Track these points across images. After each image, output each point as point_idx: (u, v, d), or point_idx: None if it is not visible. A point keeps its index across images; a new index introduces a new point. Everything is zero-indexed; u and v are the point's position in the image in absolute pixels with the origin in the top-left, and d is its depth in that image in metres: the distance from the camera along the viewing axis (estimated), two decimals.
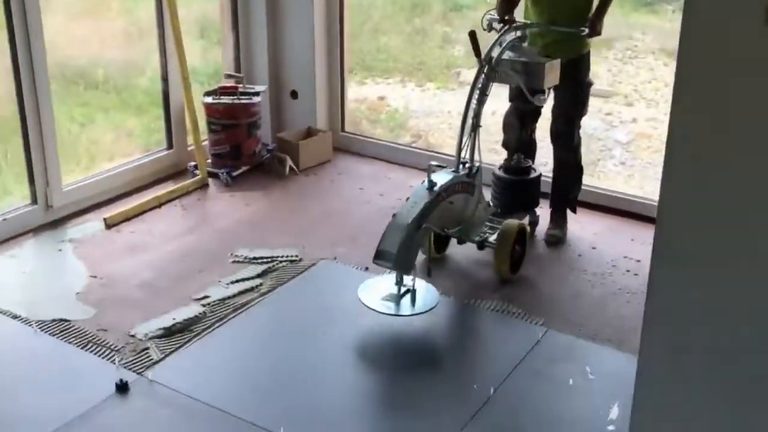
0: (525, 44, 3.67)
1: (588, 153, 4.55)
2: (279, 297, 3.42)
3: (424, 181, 3.33)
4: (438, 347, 3.24)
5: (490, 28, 3.63)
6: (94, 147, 4.65)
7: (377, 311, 3.16)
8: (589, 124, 5.14)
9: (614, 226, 4.10)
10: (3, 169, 4.20)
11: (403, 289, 3.21)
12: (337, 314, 3.31)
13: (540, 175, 3.92)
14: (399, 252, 3.09)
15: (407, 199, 3.30)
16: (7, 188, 4.15)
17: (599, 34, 3.69)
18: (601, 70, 5.78)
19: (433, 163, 3.48)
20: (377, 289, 3.26)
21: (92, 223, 4.00)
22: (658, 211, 1.86)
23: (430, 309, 3.20)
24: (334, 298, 3.44)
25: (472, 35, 3.42)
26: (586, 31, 3.65)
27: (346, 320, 3.25)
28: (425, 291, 3.28)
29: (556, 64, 3.57)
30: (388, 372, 3.07)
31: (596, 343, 3.16)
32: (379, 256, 3.14)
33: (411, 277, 3.21)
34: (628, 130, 5.47)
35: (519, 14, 3.87)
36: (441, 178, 3.37)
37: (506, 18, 3.65)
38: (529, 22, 3.75)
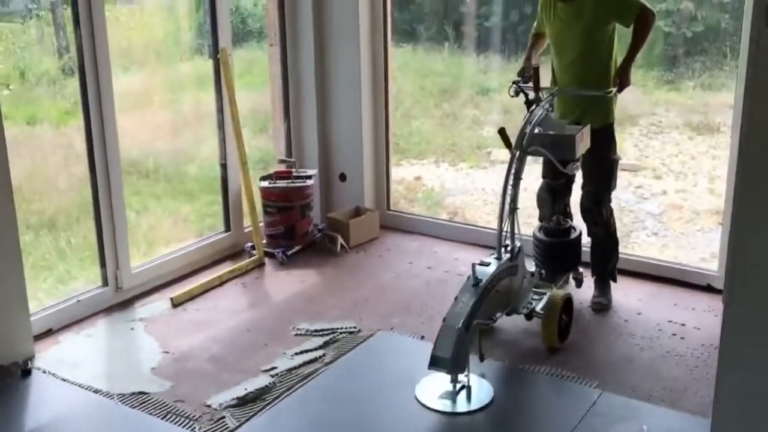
0: (552, 115, 3.78)
1: (621, 225, 4.70)
2: (343, 366, 3.60)
3: (469, 277, 3.39)
4: (496, 410, 3.32)
5: (517, 92, 3.76)
6: (151, 233, 4.88)
7: (435, 411, 3.24)
8: (621, 197, 5.34)
9: (656, 292, 4.25)
10: (68, 255, 4.45)
11: (458, 386, 3.30)
12: (399, 381, 3.45)
13: (580, 233, 4.01)
14: (453, 357, 3.16)
15: (455, 298, 3.34)
16: (72, 273, 4.39)
17: (629, 84, 3.78)
18: (627, 145, 5.99)
19: (476, 262, 3.48)
20: (434, 386, 3.35)
21: (159, 303, 4.22)
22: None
23: (487, 405, 3.29)
24: (395, 366, 3.61)
25: (502, 132, 3.54)
26: (614, 90, 3.76)
27: (408, 387, 3.39)
28: (479, 386, 3.38)
29: (586, 131, 3.67)
30: (451, 430, 3.20)
31: (651, 403, 3.28)
32: (434, 363, 3.19)
33: (465, 374, 3.30)
34: (659, 201, 5.62)
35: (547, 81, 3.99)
36: (485, 270, 3.43)
37: (536, 65, 3.74)
38: (554, 88, 3.86)
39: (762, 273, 2.05)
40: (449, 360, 3.18)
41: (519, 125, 3.66)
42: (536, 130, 3.62)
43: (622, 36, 3.90)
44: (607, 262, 4.11)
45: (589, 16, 3.78)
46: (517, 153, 3.58)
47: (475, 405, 3.30)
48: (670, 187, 5.76)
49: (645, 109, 6.44)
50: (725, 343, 2.16)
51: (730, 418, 2.15)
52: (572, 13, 3.82)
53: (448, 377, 3.29)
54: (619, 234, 4.16)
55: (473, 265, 3.42)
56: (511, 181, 3.59)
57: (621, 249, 4.18)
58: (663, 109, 6.48)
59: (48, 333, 3.85)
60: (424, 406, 3.28)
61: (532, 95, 3.73)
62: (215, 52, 4.56)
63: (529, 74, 3.82)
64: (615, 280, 4.16)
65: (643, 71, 6.14)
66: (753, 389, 2.11)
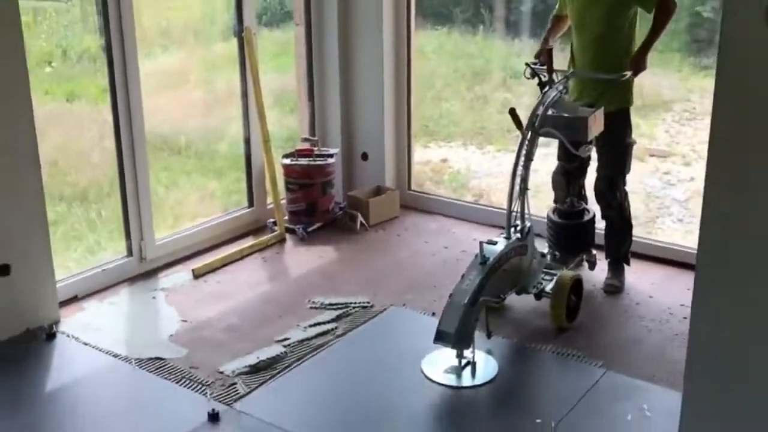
0: (566, 97, 3.79)
1: (646, 211, 4.68)
2: (353, 339, 3.69)
3: (476, 255, 3.43)
4: (499, 385, 3.38)
5: (533, 75, 3.79)
6: (178, 207, 5.00)
7: (440, 384, 3.32)
8: (648, 182, 5.32)
9: (671, 276, 4.26)
10: (98, 227, 4.61)
11: (463, 362, 3.37)
12: (406, 355, 3.53)
13: (594, 215, 4.03)
14: (457, 332, 3.22)
15: (462, 276, 3.40)
16: (101, 244, 4.54)
17: (644, 68, 3.78)
18: (659, 131, 5.95)
19: (483, 240, 3.54)
20: (440, 360, 3.43)
21: (181, 274, 4.36)
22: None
23: (491, 380, 3.35)
24: (404, 340, 3.70)
25: (512, 112, 3.58)
26: (629, 74, 3.76)
27: (415, 361, 3.47)
28: (485, 362, 3.44)
29: (599, 113, 3.68)
30: (455, 403, 3.29)
31: (653, 383, 3.32)
32: (439, 337, 3.25)
33: (471, 350, 3.37)
34: (686, 188, 5.57)
35: (562, 63, 4.04)
36: (492, 249, 3.48)
37: (549, 47, 3.78)
38: (569, 71, 3.89)
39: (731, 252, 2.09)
40: (453, 335, 3.24)
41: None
42: (549, 112, 3.65)
43: (643, 23, 3.89)
44: (620, 245, 4.13)
45: None
46: (529, 134, 3.61)
47: (479, 380, 3.36)
48: (699, 175, 5.69)
49: (680, 95, 6.37)
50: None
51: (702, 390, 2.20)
52: None
53: (455, 353, 3.37)
54: (644, 219, 4.17)
55: (480, 244, 3.48)
56: (522, 162, 3.63)
57: (645, 234, 4.19)
58: (698, 96, 6.41)
59: (73, 299, 4.01)
60: (429, 379, 3.36)
61: (545, 77, 3.75)
62: (240, 31, 4.66)
63: (544, 57, 3.84)
64: (628, 263, 4.18)
65: (681, 56, 6.08)
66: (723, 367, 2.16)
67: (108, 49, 4.05)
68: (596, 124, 3.69)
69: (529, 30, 6.57)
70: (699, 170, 5.74)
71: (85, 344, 3.63)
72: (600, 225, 4.18)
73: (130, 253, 4.32)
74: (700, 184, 5.33)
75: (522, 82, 6.86)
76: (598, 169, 4.03)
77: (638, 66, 3.79)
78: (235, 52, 4.80)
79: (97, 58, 4.47)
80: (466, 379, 3.37)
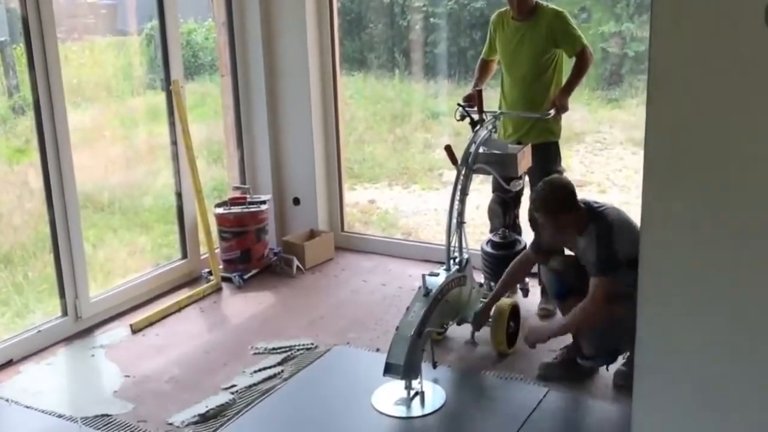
0: (495, 136, 4.02)
1: None
2: (301, 380, 3.72)
3: (420, 287, 3.56)
4: (448, 412, 3.44)
5: (462, 117, 3.98)
6: (108, 264, 4.96)
7: (392, 416, 3.39)
8: None
9: None
10: (25, 289, 4.51)
11: (412, 392, 3.46)
12: (355, 392, 3.58)
13: (525, 245, 4.19)
14: (405, 364, 3.31)
15: (407, 308, 3.51)
16: (29, 306, 4.44)
17: (565, 110, 4.10)
18: (573, 162, 6.23)
19: (426, 273, 3.66)
20: (389, 393, 3.51)
21: (119, 330, 4.30)
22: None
23: (440, 408, 3.43)
24: (351, 379, 3.75)
25: (448, 148, 3.77)
26: (552, 113, 4.05)
27: (364, 396, 3.52)
28: (433, 391, 3.53)
29: (527, 149, 3.93)
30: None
31: (593, 399, 3.47)
32: (388, 370, 3.34)
33: (418, 381, 3.47)
34: None
35: (493, 103, 4.29)
36: (435, 281, 3.61)
37: (478, 89, 4.03)
38: (497, 111, 4.14)
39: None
40: (402, 366, 3.32)
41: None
42: (481, 150, 3.84)
43: (566, 67, 4.20)
44: None
45: (540, 37, 4.09)
46: (463, 170, 3.78)
47: (428, 409, 3.44)
48: (615, 200, 5.98)
49: (590, 127, 6.69)
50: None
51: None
52: (525, 33, 4.13)
53: (403, 385, 3.44)
54: None
55: (423, 276, 3.60)
56: (458, 197, 3.78)
57: None
58: (607, 126, 6.75)
59: (9, 363, 3.91)
60: (380, 412, 3.42)
61: (476, 117, 3.94)
62: (167, 85, 4.70)
63: (471, 95, 4.05)
64: None
65: (589, 91, 6.41)
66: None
67: (35, 105, 4.01)
68: (525, 160, 3.91)
69: (445, 71, 6.83)
70: (615, 196, 6.03)
71: (27, 407, 3.54)
72: None
73: (65, 312, 4.25)
74: None
75: (440, 122, 7.14)
76: (531, 197, 4.22)
77: (561, 106, 4.08)
78: (161, 105, 4.82)
79: (7, 119, 4.43)
80: (416, 409, 3.44)
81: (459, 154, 3.80)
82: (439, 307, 3.55)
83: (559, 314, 4.00)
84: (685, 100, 2.18)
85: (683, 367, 2.32)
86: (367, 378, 3.57)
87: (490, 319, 3.86)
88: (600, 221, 3.42)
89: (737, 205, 2.18)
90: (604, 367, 3.56)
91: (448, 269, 3.75)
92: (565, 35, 4.09)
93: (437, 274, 3.69)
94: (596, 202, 3.54)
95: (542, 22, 4.10)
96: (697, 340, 2.28)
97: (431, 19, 6.71)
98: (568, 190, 3.49)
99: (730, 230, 2.19)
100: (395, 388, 3.49)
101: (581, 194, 3.62)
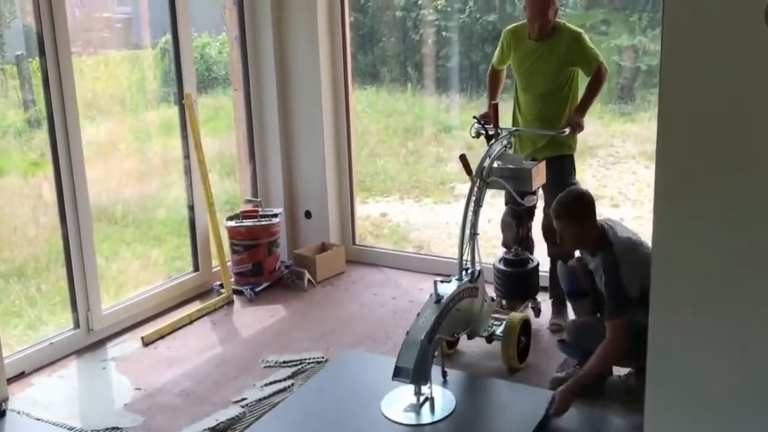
0: (510, 151, 4.04)
1: None
2: (312, 386, 3.72)
3: (431, 294, 3.53)
4: (458, 418, 3.42)
5: (478, 134, 4.00)
6: (121, 277, 4.98)
7: (401, 424, 3.36)
8: None
9: None
10: (38, 302, 4.54)
11: (422, 398, 3.44)
12: (365, 397, 3.56)
13: (538, 264, 4.23)
14: (415, 368, 3.29)
15: (418, 314, 3.49)
16: (42, 319, 4.46)
17: (582, 129, 4.10)
18: (586, 176, 6.21)
19: (438, 279, 3.64)
20: (398, 399, 3.49)
21: (130, 342, 4.31)
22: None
23: (450, 414, 3.42)
24: (361, 384, 3.73)
25: (462, 158, 3.76)
26: (567, 131, 4.06)
27: (374, 402, 3.50)
28: (442, 397, 3.52)
29: (541, 165, 3.94)
30: None
31: (602, 410, 3.45)
32: (397, 374, 3.31)
33: (428, 386, 3.44)
34: None
35: (506, 117, 4.28)
36: (446, 288, 3.58)
37: (495, 102, 4.05)
38: (513, 128, 4.15)
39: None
40: (412, 370, 3.30)
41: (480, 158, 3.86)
42: (495, 164, 3.85)
43: (581, 83, 4.21)
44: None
45: (557, 58, 4.10)
46: (477, 182, 3.78)
47: (438, 416, 3.42)
48: (627, 215, 5.96)
49: (603, 141, 6.67)
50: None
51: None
52: (542, 53, 4.13)
53: (413, 390, 3.43)
54: None
55: (435, 282, 3.58)
56: (471, 208, 3.78)
57: None
58: (620, 140, 6.73)
59: (21, 375, 3.93)
60: (389, 420, 3.40)
61: (492, 131, 3.95)
62: (180, 98, 4.73)
63: (488, 114, 4.06)
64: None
65: (601, 105, 6.39)
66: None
67: (49, 119, 4.05)
68: (539, 175, 3.92)
69: (457, 85, 6.83)
70: (627, 211, 6.01)
71: (38, 419, 3.56)
72: (544, 268, 4.34)
73: (77, 324, 4.27)
74: (629, 225, 5.60)
75: (452, 136, 7.14)
76: (545, 209, 4.22)
77: (576, 125, 4.07)
78: (174, 119, 4.85)
79: (23, 132, 4.46)
80: (426, 416, 3.42)
81: (473, 166, 3.79)
82: (450, 315, 3.55)
83: (571, 314, 4.03)
84: (695, 113, 2.17)
85: (696, 379, 2.30)
86: (377, 382, 3.54)
87: (500, 334, 3.85)
88: (608, 255, 3.48)
89: (750, 219, 2.17)
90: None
91: (460, 279, 3.74)
92: (583, 56, 4.11)
93: (449, 280, 3.70)
94: (612, 228, 3.57)
95: (561, 43, 4.10)
96: (710, 353, 2.27)
97: (443, 33, 6.72)
98: (589, 200, 3.59)
99: (742, 242, 2.18)
100: (405, 393, 3.47)
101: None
